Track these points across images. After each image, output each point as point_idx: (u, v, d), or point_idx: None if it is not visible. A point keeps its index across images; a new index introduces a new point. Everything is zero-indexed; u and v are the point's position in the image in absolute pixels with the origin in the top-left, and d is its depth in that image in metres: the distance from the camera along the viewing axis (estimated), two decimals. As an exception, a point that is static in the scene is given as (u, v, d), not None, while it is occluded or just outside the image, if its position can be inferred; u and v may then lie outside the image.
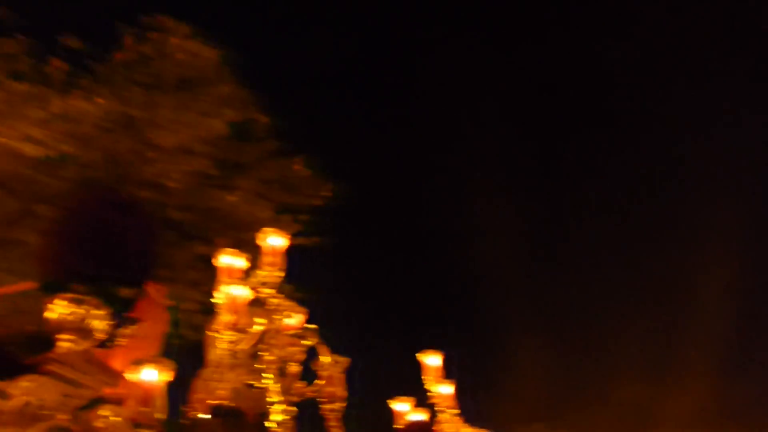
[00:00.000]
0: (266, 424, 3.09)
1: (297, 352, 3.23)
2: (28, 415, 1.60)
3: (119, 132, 8.92)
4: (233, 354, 2.70)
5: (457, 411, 4.68)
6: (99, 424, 1.75)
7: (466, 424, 4.70)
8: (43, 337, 1.93)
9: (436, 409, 4.69)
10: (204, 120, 9.67)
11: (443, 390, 4.71)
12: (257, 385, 2.93)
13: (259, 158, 11.05)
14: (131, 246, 1.99)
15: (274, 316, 2.99)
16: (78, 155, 8.50)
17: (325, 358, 3.29)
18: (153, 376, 2.38)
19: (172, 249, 8.52)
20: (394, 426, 4.39)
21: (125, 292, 1.95)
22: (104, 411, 1.80)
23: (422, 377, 4.71)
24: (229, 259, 3.06)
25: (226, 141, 10.40)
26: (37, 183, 8.01)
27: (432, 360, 4.84)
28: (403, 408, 4.60)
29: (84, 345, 1.86)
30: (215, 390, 3.14)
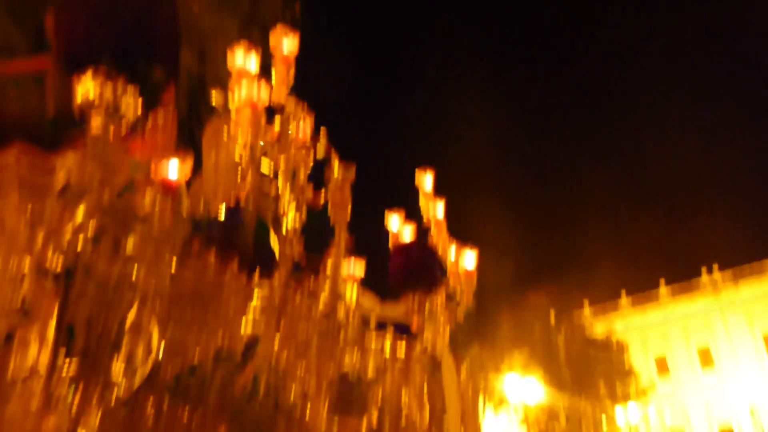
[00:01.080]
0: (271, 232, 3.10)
1: (308, 158, 3.16)
2: (73, 191, 1.51)
3: None
4: (250, 156, 2.60)
5: (445, 226, 4.80)
6: (140, 204, 1.67)
7: (452, 238, 4.85)
8: (71, 116, 1.78)
9: (426, 223, 4.81)
10: None
11: (434, 206, 4.79)
12: (270, 191, 2.88)
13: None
14: (159, 22, 1.78)
15: (290, 121, 2.87)
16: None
17: (335, 166, 3.23)
18: (176, 167, 2.29)
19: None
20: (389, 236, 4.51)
21: (157, 74, 1.78)
22: (143, 194, 1.73)
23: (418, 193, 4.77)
24: (242, 59, 2.83)
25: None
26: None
27: (425, 178, 4.87)
28: (395, 220, 4.70)
29: (114, 126, 1.73)
30: (221, 193, 3.09)
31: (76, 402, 1.41)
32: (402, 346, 3.61)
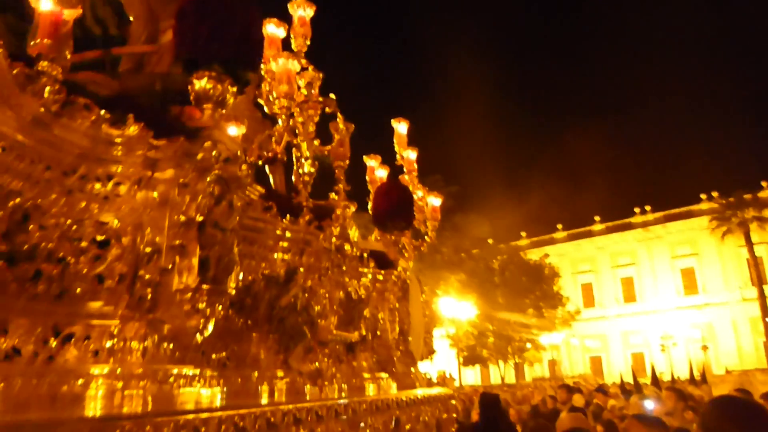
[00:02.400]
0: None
1: (316, 116, 3.89)
2: (202, 165, 2.26)
3: None
4: (286, 116, 3.34)
5: (416, 173, 5.65)
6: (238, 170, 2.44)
7: (420, 185, 5.73)
8: (173, 96, 2.49)
9: (399, 168, 5.63)
10: None
11: (408, 154, 5.61)
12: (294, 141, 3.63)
13: None
14: (250, 29, 2.48)
15: (312, 85, 3.58)
16: None
17: (340, 123, 3.98)
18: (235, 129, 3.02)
19: None
20: (367, 178, 5.33)
21: (250, 76, 2.49)
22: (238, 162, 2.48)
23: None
24: (273, 29, 3.50)
25: None
26: None
27: (400, 127, 5.65)
28: (373, 163, 5.50)
29: (219, 115, 2.46)
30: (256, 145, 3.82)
31: (206, 310, 2.23)
32: (381, 273, 4.52)
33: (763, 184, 48.19)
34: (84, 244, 2.06)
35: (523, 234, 57.25)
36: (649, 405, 10.35)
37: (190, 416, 1.94)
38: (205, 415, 2.03)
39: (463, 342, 36.15)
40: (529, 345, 38.74)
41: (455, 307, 30.31)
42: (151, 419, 1.81)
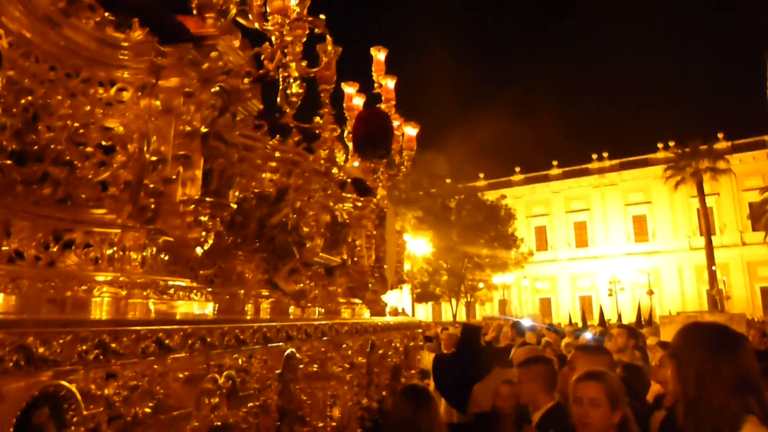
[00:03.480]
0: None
1: (304, 36, 3.84)
2: (206, 76, 2.26)
3: None
4: (279, 37, 3.30)
5: (394, 102, 5.67)
6: (240, 83, 2.44)
7: (397, 114, 5.76)
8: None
9: (378, 96, 5.64)
10: None
11: (386, 82, 5.62)
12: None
13: None
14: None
15: (303, 3, 3.53)
16: None
17: (329, 45, 3.95)
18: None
19: None
20: (344, 105, 5.33)
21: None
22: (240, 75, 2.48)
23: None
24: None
25: None
26: None
27: (380, 55, 5.63)
28: (351, 90, 5.50)
29: (221, 24, 2.43)
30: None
31: (208, 223, 2.27)
32: (360, 200, 4.59)
33: (719, 135, 49.58)
34: (89, 149, 2.06)
35: (481, 175, 58.07)
36: (593, 337, 10.85)
37: (199, 325, 2.02)
38: (210, 325, 2.10)
39: (417, 279, 36.92)
40: (481, 284, 39.87)
41: (410, 243, 30.79)
42: (161, 326, 1.87)
